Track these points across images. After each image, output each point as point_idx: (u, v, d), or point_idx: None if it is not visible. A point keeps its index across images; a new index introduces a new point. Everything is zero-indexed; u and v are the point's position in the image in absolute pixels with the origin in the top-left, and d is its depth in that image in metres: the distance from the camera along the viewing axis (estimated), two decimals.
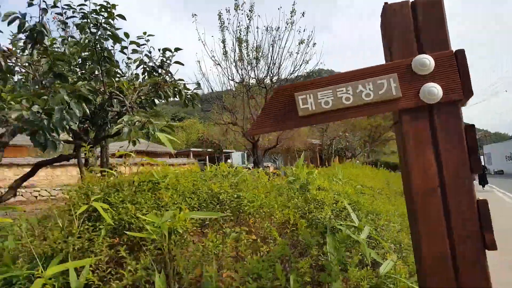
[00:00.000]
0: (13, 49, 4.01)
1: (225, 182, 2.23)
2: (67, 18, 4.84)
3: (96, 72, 4.32)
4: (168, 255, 1.39)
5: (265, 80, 14.70)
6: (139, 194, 1.83)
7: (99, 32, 3.78)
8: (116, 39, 3.97)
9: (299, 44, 14.63)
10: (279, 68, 14.59)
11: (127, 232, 1.50)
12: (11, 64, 3.77)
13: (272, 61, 14.42)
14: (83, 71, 4.48)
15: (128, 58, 5.46)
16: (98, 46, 3.91)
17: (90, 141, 5.47)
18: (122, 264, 1.51)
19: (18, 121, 3.29)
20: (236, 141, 22.72)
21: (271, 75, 14.61)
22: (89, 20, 3.83)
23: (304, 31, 16.99)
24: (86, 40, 3.79)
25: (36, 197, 17.29)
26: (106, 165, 8.89)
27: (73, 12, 4.70)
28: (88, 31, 3.85)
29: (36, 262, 1.39)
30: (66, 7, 4.71)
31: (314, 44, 15.07)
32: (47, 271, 1.27)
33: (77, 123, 3.28)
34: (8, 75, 3.94)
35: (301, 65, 14.85)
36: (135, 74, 5.81)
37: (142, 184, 1.98)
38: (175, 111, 61.20)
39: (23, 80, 4.52)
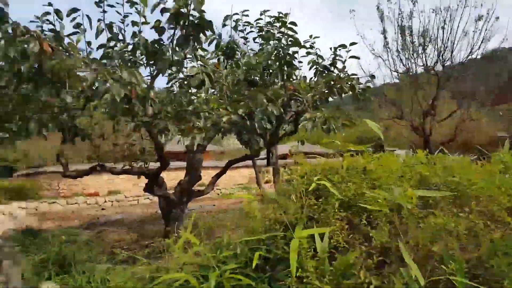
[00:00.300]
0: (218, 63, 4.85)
1: (432, 167, 2.17)
2: (247, 33, 5.59)
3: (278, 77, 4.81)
4: (400, 228, 1.48)
5: (435, 67, 13.32)
6: (352, 176, 2.00)
7: (283, 40, 4.23)
8: (298, 44, 4.36)
9: (476, 21, 12.72)
10: (452, 52, 12.99)
11: (364, 205, 1.68)
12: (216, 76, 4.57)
13: (443, 45, 12.97)
14: (266, 77, 5.05)
15: (299, 62, 5.88)
16: (281, 52, 4.37)
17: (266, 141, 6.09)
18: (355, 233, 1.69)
19: (228, 124, 3.97)
20: (400, 137, 21.14)
21: (442, 60, 13.15)
22: (271, 30, 4.32)
23: (481, 6, 14.63)
24: (272, 49, 4.30)
25: (218, 194, 20.44)
26: (275, 164, 9.71)
27: (251, 27, 5.39)
28: (272, 41, 4.34)
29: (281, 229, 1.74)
30: (246, 24, 5.45)
31: (497, 18, 12.84)
32: (295, 233, 1.57)
33: (274, 122, 3.72)
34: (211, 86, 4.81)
35: (480, 44, 12.84)
36: (303, 76, 6.19)
37: (351, 169, 2.14)
38: None
39: (217, 89, 5.43)
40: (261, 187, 11.16)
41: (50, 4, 3.75)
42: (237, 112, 3.92)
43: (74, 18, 3.92)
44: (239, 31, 5.74)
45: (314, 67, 5.51)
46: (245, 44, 6.05)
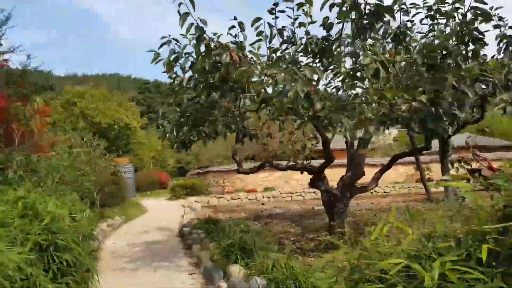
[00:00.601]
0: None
1: None
2: (413, 15, 5.17)
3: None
4: None
5: None
6: None
7: (469, 15, 3.76)
8: (487, 17, 3.81)
9: None
10: None
11: None
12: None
13: None
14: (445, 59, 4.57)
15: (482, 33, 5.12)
16: (466, 29, 3.88)
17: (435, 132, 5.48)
18: None
19: (408, 112, 3.75)
20: None
21: None
22: (455, 5, 3.89)
23: None
24: (456, 26, 3.87)
25: (371, 192, 19.73)
26: (450, 156, 8.68)
27: (417, 8, 4.97)
28: (455, 17, 3.90)
29: None
30: (411, 5, 5.05)
31: None
32: None
33: (467, 107, 3.34)
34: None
35: None
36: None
37: None
38: None
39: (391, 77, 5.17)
40: (425, 185, 10.19)
41: (235, 18, 4.30)
42: (418, 99, 3.65)
43: (257, 27, 4.38)
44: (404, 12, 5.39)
45: (504, 41, 4.73)
46: (411, 27, 5.66)
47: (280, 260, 4.82)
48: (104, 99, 18.69)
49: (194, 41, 4.35)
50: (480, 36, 3.88)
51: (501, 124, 30.50)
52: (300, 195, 18.56)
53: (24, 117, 6.68)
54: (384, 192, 19.64)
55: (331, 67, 5.52)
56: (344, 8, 3.46)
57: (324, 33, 4.70)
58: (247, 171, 7.49)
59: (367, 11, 3.42)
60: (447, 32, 4.04)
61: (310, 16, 4.77)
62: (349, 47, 4.23)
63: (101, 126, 17.98)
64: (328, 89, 6.43)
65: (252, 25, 4.33)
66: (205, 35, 4.29)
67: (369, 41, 4.46)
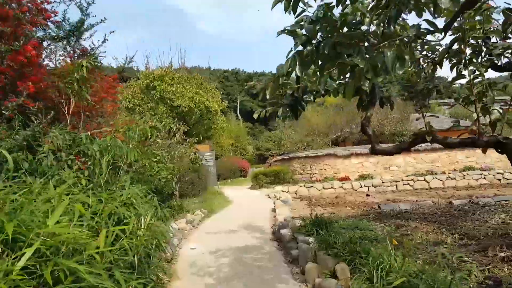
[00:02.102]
0: None
1: None
2: None
3: None
4: None
5: None
6: None
7: None
8: None
9: None
10: None
11: None
12: None
13: None
14: None
15: None
16: None
17: None
18: None
19: None
20: None
21: None
22: None
23: None
24: None
25: (499, 180, 15.45)
26: None
27: None
28: None
29: None
30: None
31: None
32: None
33: None
34: None
35: None
36: None
37: None
38: None
39: None
40: None
41: None
42: None
43: None
44: None
45: None
46: None
47: None
48: (184, 81, 17.32)
49: None
50: None
51: None
52: (408, 183, 15.15)
53: (75, 83, 4.86)
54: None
55: None
56: None
57: None
58: (390, 150, 4.78)
59: None
60: None
61: None
62: None
63: (181, 110, 16.62)
64: None
65: None
66: None
67: None
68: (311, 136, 22.80)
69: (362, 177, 17.00)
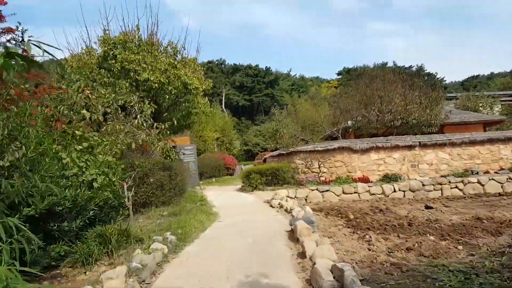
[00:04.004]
0: None
1: None
2: None
3: None
4: None
5: None
6: None
7: None
8: None
9: None
10: None
11: None
12: None
13: None
14: None
15: None
16: None
17: None
18: None
19: None
20: None
21: None
22: None
23: None
24: None
25: None
26: None
27: None
28: None
29: None
30: None
31: None
32: None
33: None
34: None
35: None
36: None
37: None
38: None
39: None
40: None
41: None
42: None
43: None
44: None
45: None
46: None
47: None
48: (155, 50, 12.78)
49: None
50: None
51: None
52: (456, 186, 11.15)
53: None
54: None
55: None
56: None
57: None
58: None
59: None
60: None
61: None
62: None
63: (150, 86, 12.05)
64: None
65: None
66: None
67: None
68: (313, 126, 18.66)
69: (387, 178, 12.92)
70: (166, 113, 13.35)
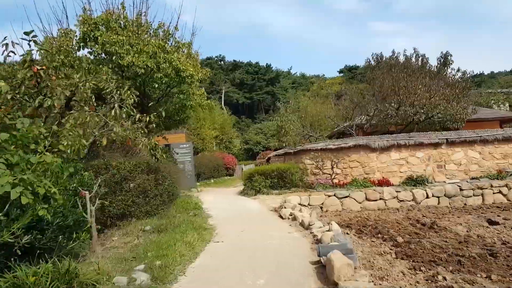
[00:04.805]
0: None
1: None
2: None
3: None
4: None
5: None
6: None
7: None
8: None
9: None
10: None
11: None
12: None
13: None
14: None
15: None
16: None
17: None
18: None
19: None
20: None
21: None
22: None
23: None
24: None
25: None
26: None
27: None
28: None
29: None
30: None
31: None
32: None
33: None
34: None
35: None
36: None
37: None
38: None
39: None
40: None
41: None
42: None
43: None
44: None
45: None
46: None
47: None
48: (142, 32, 10.84)
49: None
50: None
51: None
52: (500, 191, 9.26)
53: None
54: None
55: None
56: None
57: None
58: None
59: None
60: None
61: None
62: None
63: (135, 72, 10.12)
64: None
65: None
66: None
67: None
68: (321, 122, 16.77)
69: (411, 180, 11.03)
70: (157, 106, 11.42)
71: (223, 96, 51.03)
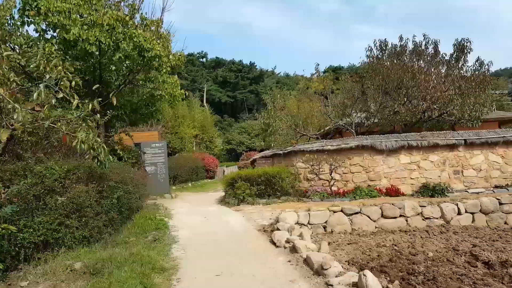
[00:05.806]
0: None
1: None
2: None
3: None
4: None
5: None
6: None
7: None
8: None
9: None
10: None
11: None
12: None
13: None
14: None
15: None
16: None
17: None
18: None
19: None
20: None
21: None
22: None
23: None
24: None
25: None
26: None
27: None
28: None
29: None
30: None
31: None
32: None
33: None
34: None
35: None
36: None
37: None
38: None
39: None
40: None
41: None
42: None
43: None
44: None
45: None
46: None
47: None
48: (97, 2, 8.47)
49: None
50: None
51: None
52: None
53: None
54: None
55: None
56: None
57: None
58: None
59: None
60: None
61: None
62: None
63: (85, 51, 7.71)
64: None
65: None
66: None
67: None
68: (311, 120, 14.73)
69: (427, 189, 9.11)
70: (118, 95, 9.03)
71: (205, 94, 48.53)
